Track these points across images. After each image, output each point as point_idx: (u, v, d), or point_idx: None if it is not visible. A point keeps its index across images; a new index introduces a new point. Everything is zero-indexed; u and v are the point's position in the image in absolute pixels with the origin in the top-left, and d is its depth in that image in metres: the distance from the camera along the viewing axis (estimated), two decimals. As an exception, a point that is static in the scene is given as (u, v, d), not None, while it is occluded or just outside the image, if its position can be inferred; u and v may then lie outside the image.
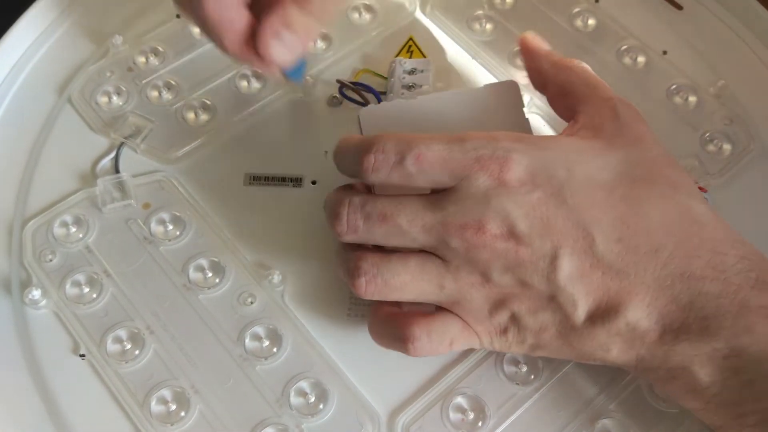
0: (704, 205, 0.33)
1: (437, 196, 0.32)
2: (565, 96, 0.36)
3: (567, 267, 0.31)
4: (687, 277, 0.30)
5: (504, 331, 0.33)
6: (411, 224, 0.32)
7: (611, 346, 0.31)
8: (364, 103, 0.42)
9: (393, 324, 0.34)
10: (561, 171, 0.32)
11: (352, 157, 0.33)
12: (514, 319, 0.32)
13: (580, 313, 0.31)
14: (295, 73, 0.37)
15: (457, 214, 0.31)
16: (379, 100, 0.40)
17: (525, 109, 0.37)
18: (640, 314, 0.30)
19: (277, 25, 0.34)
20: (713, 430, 0.32)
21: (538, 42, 0.38)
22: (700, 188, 0.39)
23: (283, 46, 0.34)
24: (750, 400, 0.29)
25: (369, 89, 0.41)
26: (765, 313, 0.30)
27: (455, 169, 0.32)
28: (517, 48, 0.45)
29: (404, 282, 0.33)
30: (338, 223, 0.33)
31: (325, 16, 0.36)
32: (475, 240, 0.31)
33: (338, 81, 0.42)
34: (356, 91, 0.41)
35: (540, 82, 0.38)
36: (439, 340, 0.33)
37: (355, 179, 0.34)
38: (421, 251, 0.33)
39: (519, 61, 0.45)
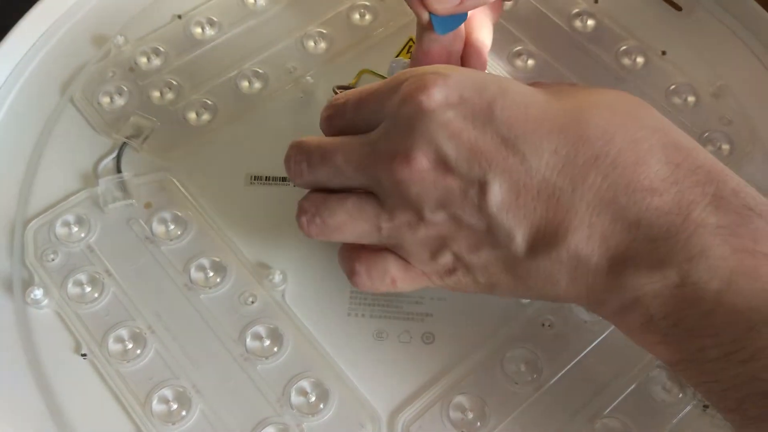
0: (657, 113, 0.30)
1: (371, 132, 0.31)
2: None
3: (497, 192, 0.28)
4: (632, 189, 0.27)
5: (452, 271, 0.31)
6: (346, 162, 0.31)
7: (558, 278, 0.29)
8: None
9: (344, 257, 0.34)
10: (493, 87, 0.29)
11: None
12: (458, 259, 0.31)
13: (519, 243, 0.29)
14: (443, 23, 0.36)
15: (384, 147, 0.30)
16: None
17: None
18: (581, 235, 0.28)
19: None
20: (672, 366, 0.30)
21: None
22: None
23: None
24: (709, 333, 0.26)
25: None
26: (723, 233, 0.26)
27: (386, 101, 0.30)
28: (517, 48, 0.45)
29: (342, 222, 0.32)
30: (288, 168, 0.34)
31: None
32: (403, 173, 0.29)
33: (334, 89, 0.41)
34: None
35: None
36: (380, 278, 0.33)
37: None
38: (365, 192, 0.32)
39: (519, 62, 0.45)
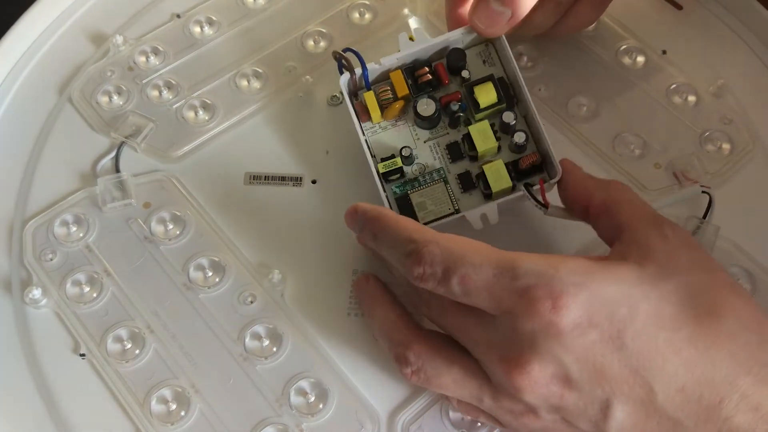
0: None
1: (486, 318, 0.31)
2: (608, 215, 0.33)
3: (620, 417, 0.29)
4: None
5: None
6: (462, 336, 0.32)
7: None
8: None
9: (392, 339, 0.34)
10: (622, 309, 0.29)
11: (398, 255, 0.32)
12: None
13: None
14: None
15: (500, 346, 0.30)
16: (365, 71, 0.39)
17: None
18: None
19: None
20: None
21: (576, 165, 0.36)
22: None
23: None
24: None
25: (359, 58, 0.39)
26: None
27: (502, 300, 0.29)
28: (516, 48, 0.45)
29: (445, 384, 0.32)
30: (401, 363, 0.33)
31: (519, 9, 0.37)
32: (518, 381, 0.29)
33: (334, 55, 0.41)
34: (347, 62, 0.39)
35: (581, 203, 0.35)
36: (430, 381, 0.33)
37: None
38: (473, 362, 0.32)
39: (519, 62, 0.45)
